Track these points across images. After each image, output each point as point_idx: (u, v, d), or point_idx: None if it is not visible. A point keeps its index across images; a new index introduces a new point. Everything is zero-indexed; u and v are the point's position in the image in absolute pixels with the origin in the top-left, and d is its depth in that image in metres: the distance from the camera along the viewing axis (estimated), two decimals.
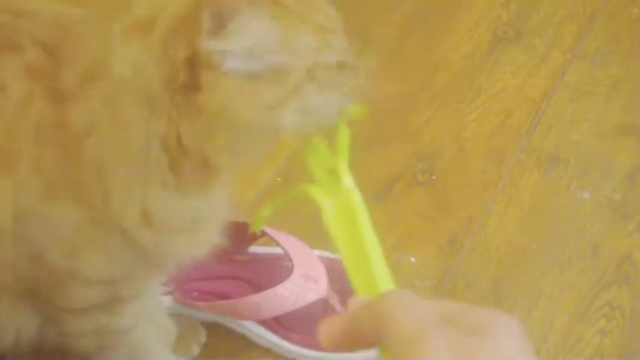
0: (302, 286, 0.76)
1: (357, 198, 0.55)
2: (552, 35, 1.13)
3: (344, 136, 0.62)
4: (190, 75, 0.52)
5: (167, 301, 0.81)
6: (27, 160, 0.56)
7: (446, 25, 1.13)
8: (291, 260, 0.79)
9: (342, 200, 0.55)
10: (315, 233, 0.87)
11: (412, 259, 0.88)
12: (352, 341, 0.42)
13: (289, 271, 0.77)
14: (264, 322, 0.79)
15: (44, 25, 0.60)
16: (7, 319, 0.65)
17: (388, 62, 1.07)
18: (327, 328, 0.42)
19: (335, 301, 0.78)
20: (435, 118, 1.01)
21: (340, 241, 0.53)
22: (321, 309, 0.77)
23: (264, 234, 0.82)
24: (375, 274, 0.50)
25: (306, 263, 0.78)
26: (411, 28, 1.12)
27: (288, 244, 0.82)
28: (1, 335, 0.67)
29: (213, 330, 0.81)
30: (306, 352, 0.78)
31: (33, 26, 0.60)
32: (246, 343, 0.80)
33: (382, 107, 1.02)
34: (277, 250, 0.83)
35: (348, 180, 0.57)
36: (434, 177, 0.95)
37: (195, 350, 0.81)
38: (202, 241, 0.63)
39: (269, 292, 0.75)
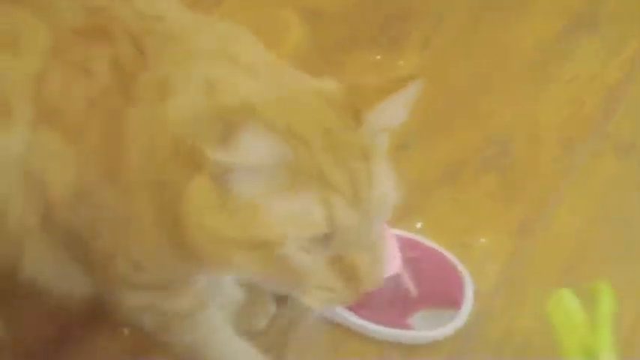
0: None
1: None
2: (628, 22, 1.11)
3: (607, 305, 0.49)
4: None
5: None
6: (94, 139, 0.58)
7: (520, 8, 1.11)
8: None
9: None
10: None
11: (482, 240, 0.87)
12: None
13: None
14: None
15: (141, 13, 0.60)
16: (61, 272, 0.66)
17: (461, 44, 1.07)
18: None
19: (406, 279, 0.78)
20: (508, 103, 1.01)
21: None
22: (393, 286, 0.77)
23: None
24: None
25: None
26: (485, 10, 1.11)
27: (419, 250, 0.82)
28: (54, 287, 0.67)
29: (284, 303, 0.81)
30: (375, 327, 0.79)
31: (129, 12, 0.60)
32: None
33: (455, 91, 1.02)
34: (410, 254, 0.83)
35: None
36: (506, 161, 0.95)
37: (262, 322, 0.81)
38: None
39: None
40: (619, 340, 0.80)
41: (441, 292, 0.80)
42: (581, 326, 0.49)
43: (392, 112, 0.59)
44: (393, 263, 0.77)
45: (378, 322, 0.79)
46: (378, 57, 1.05)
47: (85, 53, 0.58)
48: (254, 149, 0.50)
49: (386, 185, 0.57)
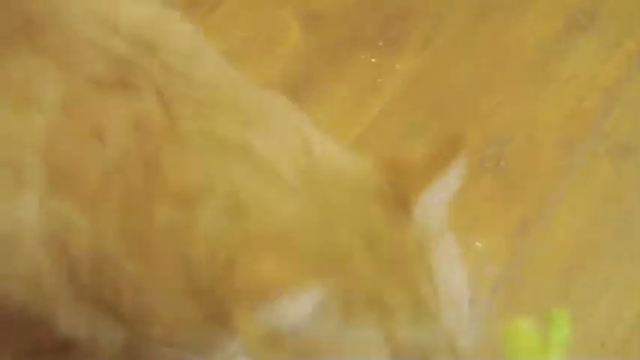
0: None
1: None
2: (626, 22, 1.11)
3: (563, 330, 0.52)
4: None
5: None
6: (112, 212, 0.53)
7: (518, 10, 1.11)
8: None
9: None
10: None
11: (478, 243, 0.87)
12: None
13: None
14: None
15: (169, 68, 0.54)
16: (93, 327, 0.62)
17: (460, 44, 1.06)
18: None
19: None
20: (506, 104, 1.00)
21: None
22: None
23: None
24: None
25: None
26: (485, 11, 1.11)
27: None
28: (92, 342, 0.64)
29: None
30: None
31: (159, 69, 0.54)
32: None
33: (452, 93, 1.02)
34: None
35: None
36: (504, 162, 0.94)
37: None
38: None
39: None
40: (620, 334, 0.80)
41: None
42: (533, 345, 0.51)
43: (444, 190, 0.53)
44: None
45: None
46: (374, 60, 1.05)
47: (101, 109, 0.53)
48: (296, 309, 0.46)
49: (452, 276, 0.52)
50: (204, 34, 1.06)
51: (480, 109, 1.00)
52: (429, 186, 0.51)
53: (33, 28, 0.55)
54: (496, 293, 0.83)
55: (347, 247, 0.49)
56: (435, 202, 0.52)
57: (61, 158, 0.53)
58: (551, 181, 0.93)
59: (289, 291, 0.45)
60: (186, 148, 0.52)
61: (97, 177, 0.53)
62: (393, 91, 1.02)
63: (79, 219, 0.53)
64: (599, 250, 0.88)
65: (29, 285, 0.58)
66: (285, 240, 0.48)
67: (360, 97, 1.02)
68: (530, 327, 0.53)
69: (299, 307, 0.46)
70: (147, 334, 0.59)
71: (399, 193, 0.50)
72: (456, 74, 1.04)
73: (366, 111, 1.00)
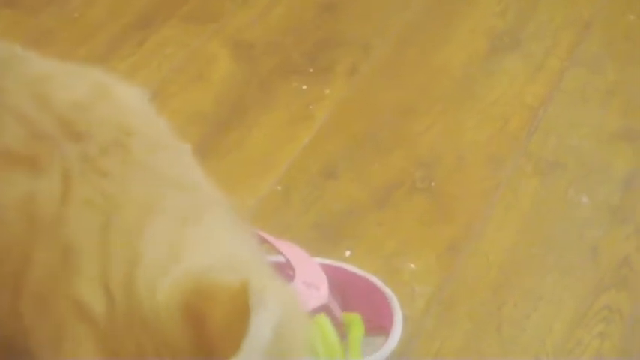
0: (303, 293, 0.76)
1: None
2: (549, 42, 1.14)
3: (357, 330, 0.59)
4: None
5: None
6: None
7: (443, 34, 1.14)
8: (292, 268, 0.80)
9: None
10: (314, 241, 0.89)
11: (412, 265, 0.88)
12: None
13: (290, 279, 0.78)
14: None
15: (91, 162, 0.52)
16: None
17: (387, 72, 1.08)
18: None
19: (335, 308, 0.79)
20: (434, 126, 1.02)
21: None
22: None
23: (264, 241, 0.82)
24: None
25: (306, 270, 0.79)
26: (410, 38, 1.13)
27: (289, 251, 0.82)
28: None
29: None
30: None
31: (77, 157, 0.52)
32: None
33: (382, 115, 1.03)
34: (278, 258, 0.83)
35: None
36: (433, 184, 0.96)
37: None
38: None
39: None
40: (552, 346, 0.82)
41: (371, 319, 0.80)
42: (334, 342, 0.58)
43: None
44: (319, 294, 0.77)
45: None
46: (304, 87, 1.06)
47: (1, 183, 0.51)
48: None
49: None
50: (133, 69, 1.08)
51: (409, 132, 1.02)
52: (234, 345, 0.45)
53: None
54: (429, 313, 0.84)
55: None
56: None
57: None
58: (480, 200, 0.95)
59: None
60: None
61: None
62: (324, 117, 1.03)
63: None
64: (527, 265, 0.89)
65: None
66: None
67: (292, 123, 1.03)
68: (328, 325, 0.58)
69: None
70: None
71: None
72: (385, 98, 1.05)
73: (299, 137, 1.01)
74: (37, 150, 0.52)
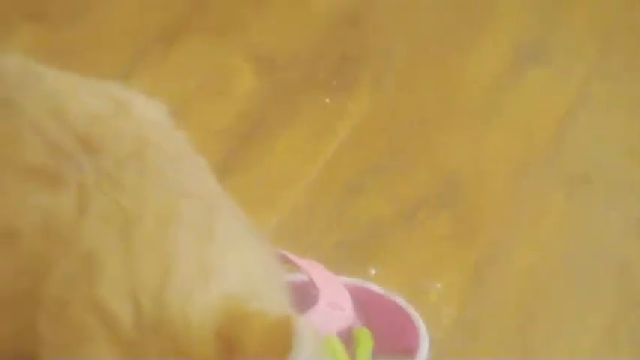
0: (328, 314, 0.76)
1: None
2: (575, 53, 1.12)
3: (366, 345, 0.58)
4: None
5: None
6: None
7: (468, 46, 1.12)
8: (316, 287, 0.79)
9: None
10: (339, 260, 0.88)
11: (438, 284, 0.87)
12: None
13: (314, 299, 0.77)
14: None
15: (108, 174, 0.53)
16: None
17: (411, 85, 1.07)
18: None
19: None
20: (459, 140, 1.01)
21: None
22: (346, 336, 0.77)
23: (287, 260, 0.82)
24: None
25: (331, 291, 0.78)
26: (433, 46, 1.12)
27: (313, 271, 0.82)
28: None
29: None
30: None
31: (93, 170, 0.53)
32: None
33: (406, 129, 1.02)
34: (301, 278, 0.83)
35: None
36: (458, 200, 0.95)
37: None
38: None
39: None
40: None
41: (396, 340, 0.79)
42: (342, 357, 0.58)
43: None
44: (344, 315, 0.76)
45: None
46: (327, 100, 1.05)
47: (19, 205, 0.52)
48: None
49: None
50: (155, 84, 1.08)
51: (434, 145, 1.01)
52: None
53: None
54: (455, 334, 0.83)
55: None
56: None
57: None
58: (505, 217, 0.94)
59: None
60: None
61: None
62: (347, 132, 1.02)
63: None
64: (555, 283, 0.88)
65: None
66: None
67: (315, 138, 1.02)
68: (338, 344, 0.59)
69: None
70: None
71: None
72: (409, 112, 1.04)
73: (323, 152, 1.00)
74: (55, 165, 0.53)
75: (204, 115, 1.06)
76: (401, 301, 0.83)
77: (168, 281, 0.49)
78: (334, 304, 0.77)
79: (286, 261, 0.81)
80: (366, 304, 0.80)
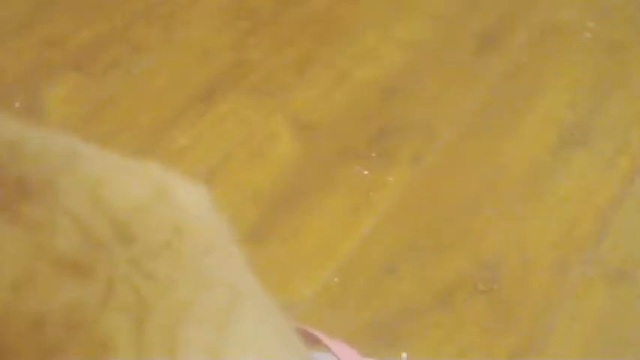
0: None
1: None
2: (620, 139, 1.10)
3: None
4: None
5: None
6: None
7: (511, 124, 1.11)
8: None
9: None
10: (370, 340, 0.86)
11: None
12: None
13: None
14: None
15: (140, 265, 0.52)
16: None
17: (451, 161, 1.06)
18: None
19: None
20: (498, 224, 0.99)
21: None
22: None
23: (315, 340, 0.79)
24: None
25: None
26: (475, 126, 1.10)
27: (342, 353, 0.79)
28: None
29: None
30: None
31: (126, 261, 0.52)
32: None
33: (445, 210, 1.01)
34: (329, 358, 0.80)
35: None
36: (495, 286, 0.92)
37: None
38: None
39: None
40: None
41: None
42: None
43: None
44: None
45: None
46: (366, 172, 1.04)
47: (48, 295, 0.50)
48: None
49: None
50: (194, 142, 1.08)
51: (472, 228, 0.98)
52: None
53: (19, 194, 0.53)
54: None
55: None
56: None
57: None
58: (544, 308, 0.91)
59: None
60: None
61: None
62: (385, 206, 1.00)
63: None
64: None
65: None
66: None
67: (352, 211, 1.00)
68: None
69: None
70: None
71: None
72: (448, 189, 1.03)
73: (359, 226, 0.98)
74: (88, 256, 0.51)
75: (240, 176, 1.05)
76: None
77: None
78: None
79: (315, 340, 0.79)
80: None
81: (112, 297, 0.51)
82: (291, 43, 1.22)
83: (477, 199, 1.02)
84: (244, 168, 1.06)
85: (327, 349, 0.79)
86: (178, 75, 1.18)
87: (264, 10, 1.27)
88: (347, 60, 1.19)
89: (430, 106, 1.12)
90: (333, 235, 0.97)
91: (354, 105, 1.13)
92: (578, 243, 0.97)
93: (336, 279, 0.92)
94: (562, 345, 0.88)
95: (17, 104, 1.11)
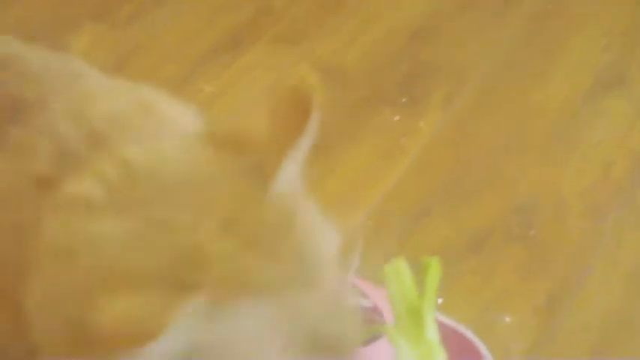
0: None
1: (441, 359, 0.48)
2: None
3: (435, 274, 0.56)
4: None
5: None
6: None
7: (544, 68, 1.08)
8: (379, 313, 0.76)
9: (424, 355, 0.51)
10: None
11: (507, 318, 0.84)
12: None
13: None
14: None
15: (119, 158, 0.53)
16: None
17: (483, 105, 1.04)
18: None
19: None
20: (532, 168, 0.97)
21: None
22: None
23: (353, 285, 0.79)
24: None
25: None
26: (508, 72, 1.08)
27: (377, 295, 0.78)
28: None
29: None
30: None
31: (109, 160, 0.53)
32: None
33: (477, 154, 0.99)
34: (367, 304, 0.79)
35: (432, 332, 0.52)
36: (531, 232, 0.91)
37: None
38: None
39: (362, 351, 0.72)
40: None
41: None
42: (409, 285, 0.56)
43: (299, 155, 0.51)
44: None
45: None
46: (397, 118, 1.02)
47: (30, 212, 0.52)
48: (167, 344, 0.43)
49: (320, 240, 0.51)
50: (219, 91, 1.06)
51: (505, 172, 0.97)
52: (282, 156, 0.49)
53: (11, 114, 0.56)
54: None
55: (197, 242, 0.46)
56: (291, 171, 0.50)
57: None
58: (579, 253, 0.90)
59: (151, 329, 0.42)
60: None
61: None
62: (416, 152, 0.99)
63: None
64: (631, 327, 0.84)
65: None
66: (121, 269, 0.46)
67: (383, 157, 0.99)
68: (407, 269, 0.56)
69: (170, 341, 0.42)
70: None
71: (251, 165, 0.49)
72: (480, 134, 1.01)
73: (389, 172, 0.97)
74: (61, 171, 0.53)
75: None
76: (469, 333, 0.79)
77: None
78: None
79: (353, 286, 0.78)
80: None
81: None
82: None
83: (509, 144, 1.00)
84: None
85: (364, 294, 0.78)
86: (202, 25, 1.16)
87: None
88: (373, 5, 1.17)
89: (459, 49, 1.10)
90: (364, 181, 0.96)
91: (381, 50, 1.10)
92: (614, 187, 0.96)
93: (367, 225, 0.91)
94: (598, 290, 0.87)
95: None
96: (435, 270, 0.57)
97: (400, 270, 0.57)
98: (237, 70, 1.09)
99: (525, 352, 0.81)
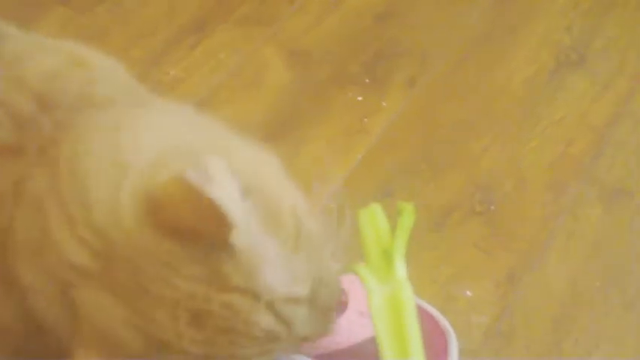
0: (356, 323, 0.74)
1: (408, 294, 0.52)
2: (617, 61, 1.09)
3: (408, 217, 0.57)
4: None
5: None
6: None
7: (507, 48, 1.09)
8: (345, 294, 0.77)
9: (392, 291, 0.53)
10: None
11: (468, 292, 0.85)
12: None
13: (343, 308, 0.75)
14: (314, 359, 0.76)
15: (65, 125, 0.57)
16: None
17: (446, 85, 1.05)
18: None
19: None
20: (494, 146, 0.98)
21: (382, 333, 0.52)
22: (373, 347, 0.74)
23: None
24: None
25: (360, 299, 0.75)
26: (470, 51, 1.09)
27: (342, 278, 0.79)
28: None
29: None
30: None
31: (52, 126, 0.56)
32: None
33: (439, 132, 1.00)
34: None
35: (402, 270, 0.54)
36: (492, 207, 0.92)
37: None
38: None
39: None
40: None
41: (425, 351, 0.77)
42: (382, 228, 0.58)
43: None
44: (369, 323, 0.74)
45: None
46: (360, 98, 1.03)
47: None
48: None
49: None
50: (186, 73, 1.06)
51: (468, 151, 0.98)
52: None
53: None
54: (486, 344, 0.81)
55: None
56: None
57: None
58: (541, 227, 0.91)
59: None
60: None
61: None
62: (379, 131, 1.00)
63: None
64: (590, 299, 0.86)
65: None
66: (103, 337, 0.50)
67: (346, 136, 1.00)
68: (381, 214, 0.58)
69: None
70: None
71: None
72: (443, 114, 1.02)
73: (353, 151, 0.98)
74: (18, 135, 0.55)
75: (233, 107, 1.04)
76: (431, 308, 0.80)
77: (91, 205, 0.51)
78: (363, 313, 0.75)
79: None
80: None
81: (42, 158, 0.54)
82: None
83: (472, 123, 1.01)
84: (237, 99, 1.05)
85: None
86: (169, 6, 1.16)
87: None
88: None
89: (424, 30, 1.11)
90: (327, 161, 0.96)
91: (346, 31, 1.11)
92: (574, 163, 0.97)
93: (332, 204, 0.92)
94: (559, 264, 0.88)
95: None
96: (408, 214, 0.59)
97: (374, 214, 0.59)
98: (202, 53, 1.09)
99: (487, 325, 0.82)
